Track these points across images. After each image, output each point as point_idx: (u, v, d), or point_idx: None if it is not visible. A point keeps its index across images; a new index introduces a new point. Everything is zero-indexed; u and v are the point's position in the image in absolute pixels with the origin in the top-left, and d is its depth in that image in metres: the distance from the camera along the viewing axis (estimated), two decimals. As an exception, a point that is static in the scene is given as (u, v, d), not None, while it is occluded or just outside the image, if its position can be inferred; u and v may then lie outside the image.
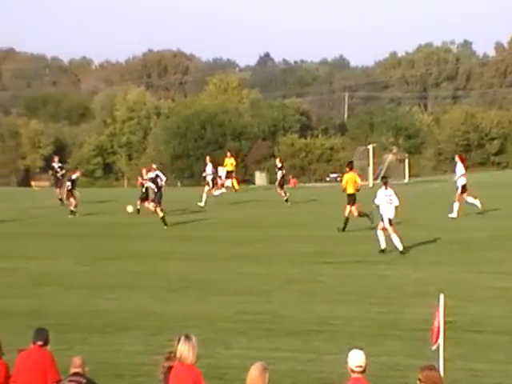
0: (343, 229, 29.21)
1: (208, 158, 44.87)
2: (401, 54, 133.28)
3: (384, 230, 24.72)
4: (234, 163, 50.12)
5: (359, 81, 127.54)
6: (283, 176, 43.74)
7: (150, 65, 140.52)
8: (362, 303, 17.85)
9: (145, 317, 16.76)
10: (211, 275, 21.57)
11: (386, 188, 25.18)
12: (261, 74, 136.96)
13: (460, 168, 33.16)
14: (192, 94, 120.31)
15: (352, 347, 9.06)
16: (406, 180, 69.17)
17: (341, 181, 34.53)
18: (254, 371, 8.45)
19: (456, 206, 32.35)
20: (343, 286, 19.90)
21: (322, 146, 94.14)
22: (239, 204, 42.54)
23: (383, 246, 24.57)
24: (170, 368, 9.26)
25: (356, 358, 8.70)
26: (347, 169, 31.37)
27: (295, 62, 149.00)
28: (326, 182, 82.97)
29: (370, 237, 27.82)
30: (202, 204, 39.88)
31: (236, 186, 51.03)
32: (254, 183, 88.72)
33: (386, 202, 24.85)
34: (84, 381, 9.92)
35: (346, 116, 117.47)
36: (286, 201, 41.20)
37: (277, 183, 43.57)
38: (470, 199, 32.62)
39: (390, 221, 24.69)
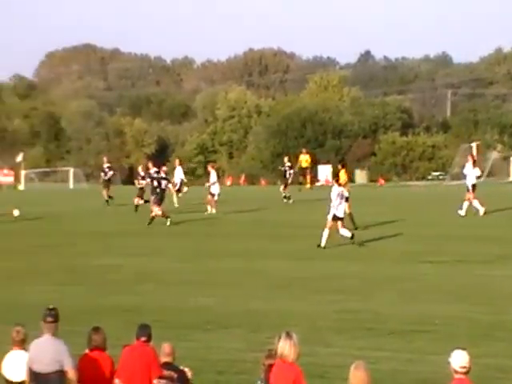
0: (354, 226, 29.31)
1: (178, 161, 44.44)
2: (506, 49, 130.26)
3: (330, 228, 25.72)
4: (309, 160, 49.92)
5: (463, 77, 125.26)
6: (290, 175, 44.21)
7: (251, 63, 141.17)
8: (464, 303, 17.57)
9: (245, 314, 16.85)
10: (311, 273, 21.55)
11: (339, 185, 26.48)
12: (361, 71, 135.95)
13: (470, 168, 34.09)
14: (292, 92, 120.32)
15: (454, 348, 8.91)
16: (511, 178, 67.79)
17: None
18: (360, 373, 8.38)
19: (465, 204, 33.24)
20: (445, 285, 19.62)
21: (423, 144, 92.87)
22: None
23: (323, 243, 25.54)
24: (271, 366, 9.28)
25: (460, 359, 8.56)
26: (340, 166, 32.42)
27: (396, 59, 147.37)
28: (428, 180, 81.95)
29: (472, 236, 27.45)
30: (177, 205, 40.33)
31: (308, 185, 51.15)
32: (353, 181, 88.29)
33: (339, 199, 26.03)
34: (176, 375, 10.03)
35: (448, 113, 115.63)
36: (287, 198, 42.01)
37: (285, 182, 43.78)
38: (476, 203, 33.42)
39: (337, 217, 25.83)
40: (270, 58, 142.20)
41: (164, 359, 10.20)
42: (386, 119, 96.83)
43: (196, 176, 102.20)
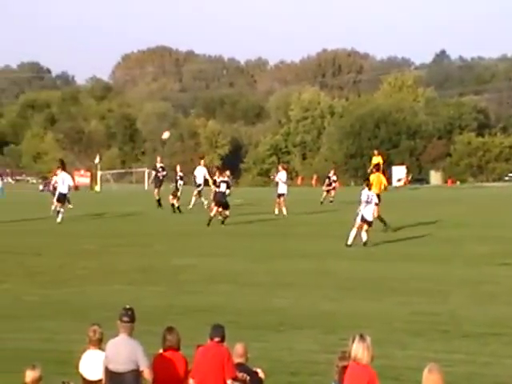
0: (385, 225, 30.12)
1: (202, 161, 43.60)
2: None
3: (360, 228, 26.51)
4: (381, 161, 49.53)
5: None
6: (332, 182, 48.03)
7: (325, 64, 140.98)
8: (543, 307, 17.25)
9: (318, 315, 16.80)
10: (384, 274, 21.41)
11: (370, 189, 27.53)
12: (437, 71, 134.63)
13: None
14: (366, 92, 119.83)
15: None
16: None
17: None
18: (434, 376, 8.29)
19: None
20: (522, 288, 19.30)
21: (500, 145, 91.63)
22: (414, 203, 41.99)
23: (364, 238, 26.45)
24: (345, 367, 9.24)
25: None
26: (374, 170, 33.67)
27: (472, 59, 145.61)
28: (505, 181, 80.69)
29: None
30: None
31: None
32: (428, 182, 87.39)
33: (366, 201, 26.91)
34: (248, 378, 10.02)
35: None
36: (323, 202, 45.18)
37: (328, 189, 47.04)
38: None
39: (365, 220, 26.73)
40: (344, 58, 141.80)
41: (237, 360, 10.23)
42: (462, 119, 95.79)
43: (269, 177, 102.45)
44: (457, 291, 18.99)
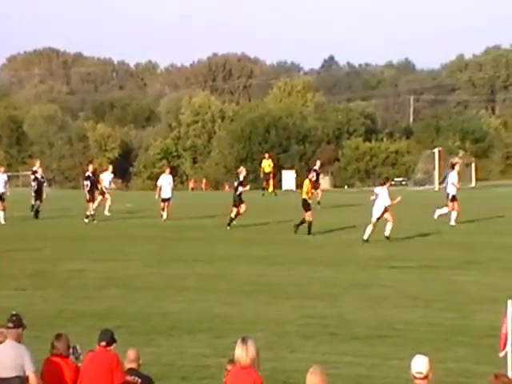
0: (296, 228, 30.71)
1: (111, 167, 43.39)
2: (468, 56, 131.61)
3: (374, 225, 27.91)
4: (272, 165, 49.74)
5: (425, 84, 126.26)
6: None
7: (215, 68, 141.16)
8: (429, 308, 17.69)
9: (211, 319, 16.83)
10: (278, 279, 21.59)
11: (382, 188, 28.99)
12: (325, 77, 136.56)
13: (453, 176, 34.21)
14: (256, 97, 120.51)
15: (418, 353, 8.96)
16: (473, 184, 68.45)
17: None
18: (316, 378, 8.34)
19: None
20: (410, 290, 19.75)
21: (386, 150, 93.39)
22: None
23: (365, 237, 28.00)
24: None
25: (416, 365, 8.52)
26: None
27: (360, 65, 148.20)
28: (391, 185, 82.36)
29: (437, 242, 27.68)
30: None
31: (271, 189, 50.85)
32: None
33: (378, 199, 28.67)
34: (140, 381, 9.99)
35: (411, 119, 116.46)
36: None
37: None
38: (444, 210, 33.65)
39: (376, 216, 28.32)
40: (234, 63, 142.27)
41: (128, 365, 10.16)
42: (350, 125, 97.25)
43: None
44: (346, 294, 19.31)
